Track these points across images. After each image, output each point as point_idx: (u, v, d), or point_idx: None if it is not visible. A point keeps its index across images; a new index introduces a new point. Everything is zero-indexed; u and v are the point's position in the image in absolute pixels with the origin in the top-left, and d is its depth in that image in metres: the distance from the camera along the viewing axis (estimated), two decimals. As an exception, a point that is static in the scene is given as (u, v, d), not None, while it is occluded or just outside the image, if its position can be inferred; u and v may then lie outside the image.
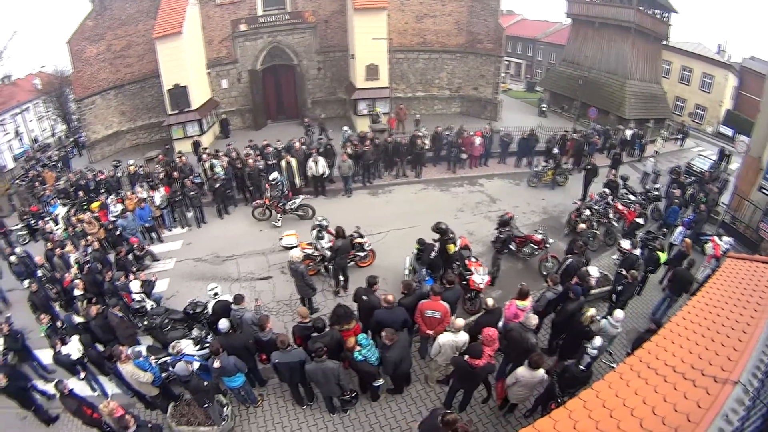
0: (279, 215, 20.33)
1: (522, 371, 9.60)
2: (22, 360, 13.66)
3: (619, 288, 13.85)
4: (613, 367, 8.73)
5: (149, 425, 9.51)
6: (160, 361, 11.63)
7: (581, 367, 9.98)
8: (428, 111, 37.83)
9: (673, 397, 6.03)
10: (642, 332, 11.37)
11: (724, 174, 29.06)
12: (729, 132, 47.21)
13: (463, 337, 10.43)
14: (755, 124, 24.14)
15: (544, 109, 44.63)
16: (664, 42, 44.24)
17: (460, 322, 10.43)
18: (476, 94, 37.85)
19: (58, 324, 13.85)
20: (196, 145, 26.90)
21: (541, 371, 9.51)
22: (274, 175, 20.61)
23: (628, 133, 31.78)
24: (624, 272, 13.99)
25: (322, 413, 11.34)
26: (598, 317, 11.89)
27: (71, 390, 10.72)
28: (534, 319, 10.85)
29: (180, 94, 30.47)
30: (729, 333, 7.43)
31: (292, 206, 20.37)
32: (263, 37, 33.70)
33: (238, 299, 11.92)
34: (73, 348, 12.36)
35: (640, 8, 40.00)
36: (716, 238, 16.97)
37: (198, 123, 31.24)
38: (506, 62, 61.22)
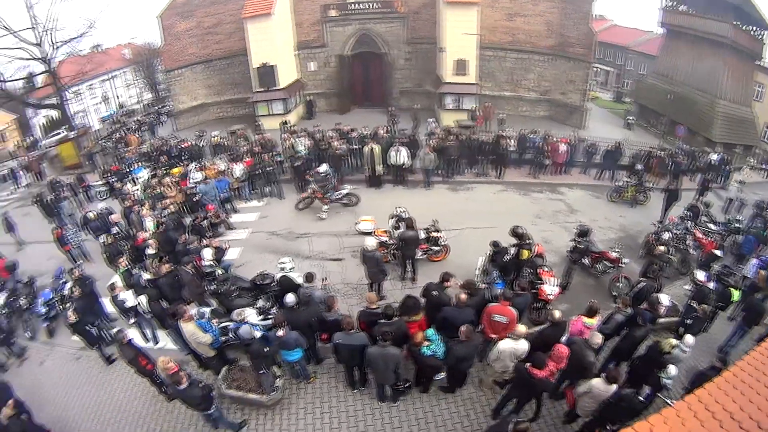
0: (325, 206, 20.12)
1: (597, 382, 9.40)
2: (89, 304, 14.15)
3: (688, 321, 13.03)
4: (668, 403, 8.34)
5: (200, 384, 9.62)
6: (221, 325, 11.88)
7: (640, 398, 9.54)
8: (514, 112, 37.18)
9: None
10: (704, 369, 10.75)
11: None
12: None
13: (523, 345, 10.17)
14: None
15: (630, 121, 42.96)
16: (758, 62, 41.65)
17: (522, 328, 10.20)
18: (563, 99, 36.87)
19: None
20: (284, 125, 27.18)
21: (614, 386, 9.28)
22: (324, 167, 20.47)
23: (715, 157, 29.49)
24: (695, 305, 13.25)
25: (371, 399, 11.31)
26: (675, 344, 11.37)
27: (130, 339, 11.31)
28: (598, 338, 10.55)
29: (267, 72, 31.25)
30: None
31: (338, 196, 20.25)
32: (353, 24, 34.01)
33: (309, 277, 11.97)
34: (130, 296, 13.25)
35: (736, 23, 38.10)
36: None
37: (283, 102, 31.93)
38: (595, 69, 58.72)
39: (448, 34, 30.87)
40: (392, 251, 16.02)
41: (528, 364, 9.40)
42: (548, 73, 36.46)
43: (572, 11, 34.07)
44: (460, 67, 31.49)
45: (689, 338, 11.40)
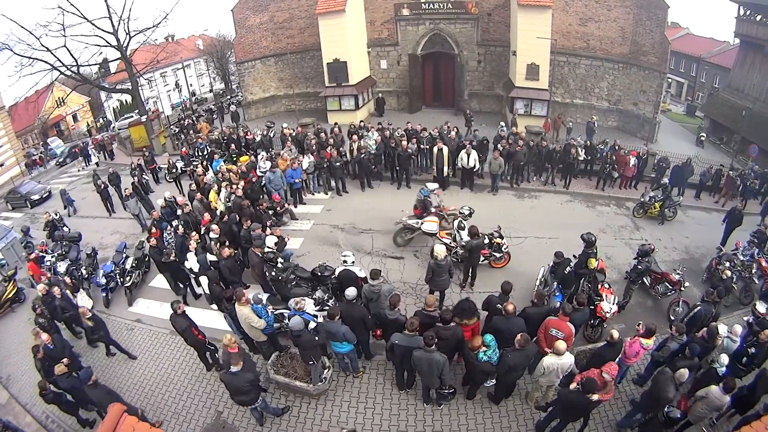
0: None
1: (714, 390, 9.54)
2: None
3: (752, 350, 12.17)
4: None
5: (255, 372, 9.91)
6: (276, 312, 12.21)
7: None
8: (584, 120, 35.75)
9: None
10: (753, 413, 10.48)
11: None
12: None
13: (568, 359, 10.12)
14: None
15: (702, 138, 41.53)
16: None
17: (562, 345, 9.97)
18: (635, 110, 35.91)
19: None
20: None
21: (728, 397, 9.44)
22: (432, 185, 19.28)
23: None
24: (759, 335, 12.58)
25: (416, 401, 11.40)
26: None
27: (184, 311, 11.89)
28: (686, 376, 10.22)
29: (339, 68, 31.80)
30: None
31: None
32: (425, 24, 34.09)
33: (375, 274, 12.02)
34: (193, 261, 14.24)
35: None
36: None
37: (354, 98, 32.45)
38: (668, 80, 56.63)
39: (520, 37, 30.69)
40: (454, 254, 15.99)
41: (578, 387, 9.30)
42: (620, 82, 35.67)
43: (646, 18, 33.25)
44: (532, 71, 31.24)
45: (737, 327, 11.90)
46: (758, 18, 39.53)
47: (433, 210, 18.12)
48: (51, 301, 13.92)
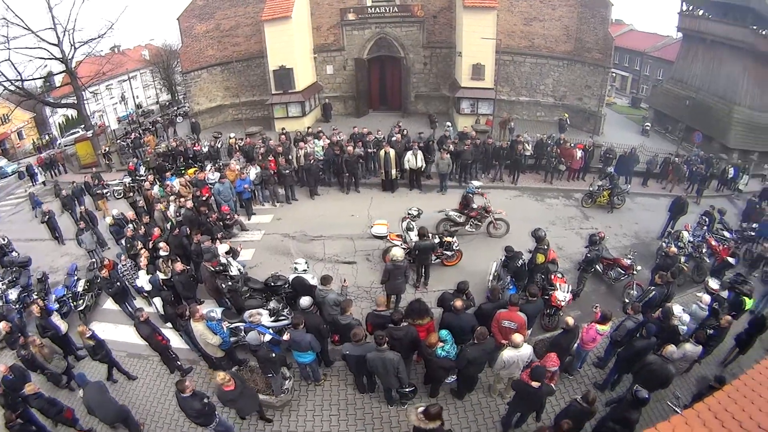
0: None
1: (688, 346, 11.12)
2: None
3: (710, 332, 12.64)
4: (677, 412, 8.38)
5: (203, 399, 9.51)
6: (232, 326, 12.05)
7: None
8: (530, 117, 37.36)
9: None
10: (704, 388, 10.79)
11: None
12: None
13: (526, 350, 10.22)
14: None
15: (647, 128, 42.96)
16: None
17: (518, 338, 10.08)
18: (580, 104, 36.79)
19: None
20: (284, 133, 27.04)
21: (701, 347, 11.21)
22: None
23: (732, 171, 29.51)
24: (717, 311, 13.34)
25: (380, 403, 11.36)
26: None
27: (147, 317, 11.80)
28: (675, 353, 10.74)
29: (285, 75, 31.52)
30: None
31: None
32: (371, 28, 34.09)
33: (326, 280, 11.97)
34: (144, 280, 13.94)
35: (755, 28, 37.57)
36: None
37: (300, 105, 32.22)
38: (612, 74, 58.49)
39: (465, 39, 30.91)
40: (407, 255, 15.80)
41: (526, 374, 9.46)
42: (565, 78, 36.43)
43: (590, 16, 34.04)
44: (477, 71, 31.45)
45: (706, 297, 12.72)
46: (700, 13, 41.50)
47: (474, 209, 18.63)
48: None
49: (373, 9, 33.49)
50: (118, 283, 14.65)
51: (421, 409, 8.71)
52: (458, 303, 10.79)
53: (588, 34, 34.65)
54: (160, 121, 44.41)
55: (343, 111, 36.61)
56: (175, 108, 53.24)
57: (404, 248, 15.63)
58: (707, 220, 20.16)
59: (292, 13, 30.27)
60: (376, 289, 15.14)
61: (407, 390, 10.50)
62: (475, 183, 19.75)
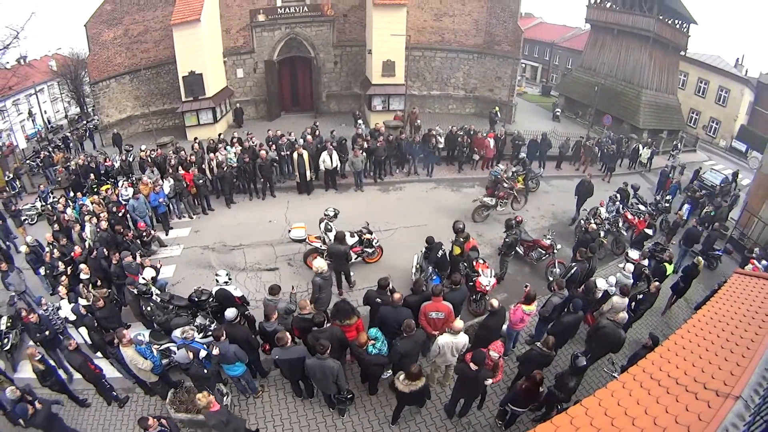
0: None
1: (616, 299, 12.43)
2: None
3: (639, 296, 13.85)
4: (615, 377, 8.71)
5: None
6: (162, 348, 11.75)
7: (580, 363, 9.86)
8: (442, 110, 37.98)
9: (675, 409, 6.02)
10: (639, 350, 11.27)
11: (735, 189, 29.27)
12: (742, 147, 47.63)
13: (463, 338, 10.40)
14: None
15: (558, 114, 44.64)
16: (682, 53, 44.20)
17: (460, 324, 10.34)
18: (491, 95, 37.72)
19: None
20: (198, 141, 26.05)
21: (626, 299, 12.48)
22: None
23: (646, 152, 31.96)
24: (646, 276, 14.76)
25: (321, 407, 11.31)
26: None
27: (77, 346, 11.25)
28: (624, 316, 11.75)
29: (195, 81, 30.68)
30: (733, 348, 7.44)
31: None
32: (281, 29, 33.70)
33: (274, 290, 11.90)
34: (67, 310, 13.12)
35: (660, 17, 39.81)
36: (755, 261, 17.33)
37: (212, 111, 31.41)
38: (523, 65, 60.57)
39: (376, 36, 31.04)
40: (326, 257, 15.75)
41: (467, 357, 9.64)
42: (476, 71, 37.29)
43: (500, 10, 35.05)
44: (388, 68, 31.67)
45: (629, 266, 13.81)
46: (608, 5, 43.40)
47: (506, 186, 19.91)
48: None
49: (283, 9, 33.08)
50: (47, 332, 13.05)
51: (402, 376, 9.13)
52: (397, 296, 11.01)
53: (498, 27, 35.57)
54: (71, 137, 42.24)
55: (255, 115, 36.05)
56: (85, 122, 50.55)
57: (323, 248, 15.94)
58: (619, 196, 21.38)
59: (202, 15, 29.39)
60: (300, 293, 14.84)
61: (345, 397, 10.48)
62: (500, 167, 20.99)
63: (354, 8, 33.98)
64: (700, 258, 16.51)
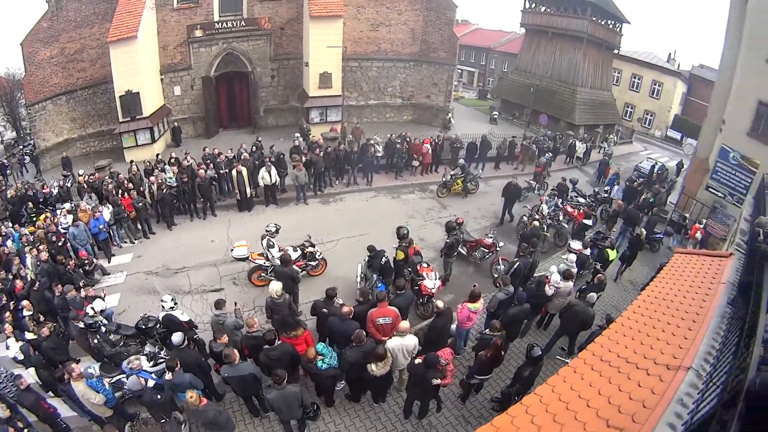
0: None
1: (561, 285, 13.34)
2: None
3: (583, 287, 14.36)
4: (567, 362, 9.02)
5: None
6: (113, 380, 11.44)
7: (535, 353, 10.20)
8: (380, 119, 38.39)
9: (628, 387, 6.14)
10: (596, 329, 11.83)
11: (672, 176, 31.52)
12: (677, 136, 50.02)
13: (412, 340, 10.58)
14: (702, 128, 26.42)
15: (495, 116, 45.70)
16: (616, 51, 46.21)
17: (405, 324, 10.57)
18: (428, 102, 38.54)
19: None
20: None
21: (571, 282, 13.59)
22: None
23: (582, 147, 33.94)
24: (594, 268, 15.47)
25: (279, 425, 11.10)
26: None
27: (29, 385, 10.88)
28: (594, 298, 12.43)
29: (132, 100, 29.90)
30: (679, 323, 7.63)
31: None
32: (218, 44, 33.29)
33: (219, 304, 11.93)
34: (15, 349, 12.50)
35: (593, 19, 41.28)
36: (698, 224, 20.26)
37: (149, 131, 30.62)
38: (459, 71, 62.47)
39: (312, 48, 31.07)
40: (271, 272, 15.93)
41: (418, 361, 9.78)
42: (412, 79, 37.93)
43: (435, 18, 35.80)
44: (325, 80, 31.73)
45: (572, 256, 14.82)
46: (542, 9, 44.91)
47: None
48: None
49: (220, 24, 32.62)
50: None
51: (373, 365, 9.58)
52: (346, 309, 11.04)
53: (434, 35, 36.31)
54: (8, 163, 40.32)
55: (194, 133, 35.26)
56: (21, 147, 48.49)
57: (267, 265, 16.09)
58: (558, 191, 22.50)
59: (139, 32, 28.66)
60: (248, 312, 14.98)
61: (313, 411, 10.42)
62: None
63: (291, 21, 33.87)
64: (642, 230, 18.19)
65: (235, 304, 13.15)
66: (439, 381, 9.78)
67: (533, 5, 46.46)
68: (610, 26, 44.25)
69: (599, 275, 14.24)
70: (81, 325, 12.94)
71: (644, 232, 18.47)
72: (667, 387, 5.74)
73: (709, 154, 23.21)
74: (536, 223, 18.25)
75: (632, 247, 18.30)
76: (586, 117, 42.61)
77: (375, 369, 9.82)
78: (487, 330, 11.27)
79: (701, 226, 20.42)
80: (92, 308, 13.31)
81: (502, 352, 10.48)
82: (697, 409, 5.10)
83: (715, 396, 5.01)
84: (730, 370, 5.21)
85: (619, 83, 54.76)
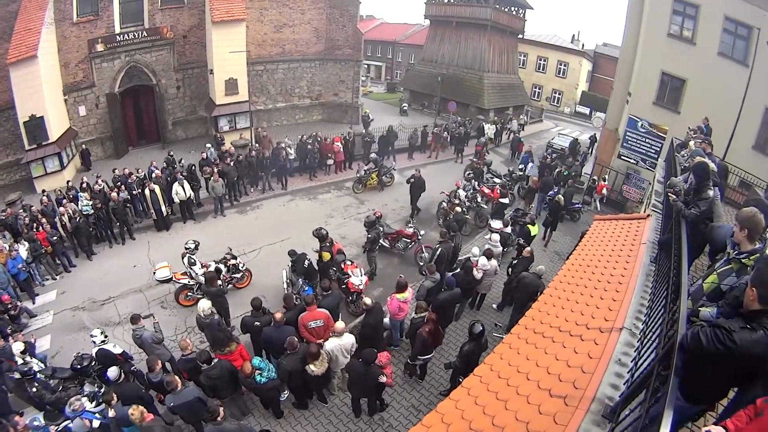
0: None
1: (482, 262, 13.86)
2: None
3: (515, 262, 14.98)
4: (501, 338, 9.22)
5: None
6: (60, 428, 10.88)
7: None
8: (290, 121, 38.42)
9: (564, 354, 6.28)
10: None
11: (583, 148, 33.04)
12: (586, 111, 52.94)
13: (349, 338, 10.69)
14: (609, 102, 28.46)
15: (405, 108, 46.36)
16: (520, 36, 48.54)
17: (341, 324, 10.72)
18: (337, 99, 39.00)
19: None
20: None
21: (494, 261, 14.34)
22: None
23: (491, 129, 35.47)
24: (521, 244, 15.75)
25: None
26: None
27: None
28: (543, 269, 13.65)
29: (36, 126, 28.00)
30: (606, 287, 7.89)
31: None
32: (120, 57, 32.05)
33: (135, 319, 11.83)
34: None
35: (497, 6, 42.88)
36: (602, 182, 22.77)
37: (58, 157, 28.76)
38: (366, 66, 63.29)
39: (216, 54, 30.72)
40: (196, 292, 15.80)
41: (359, 360, 9.91)
42: (319, 78, 38.28)
43: (339, 15, 36.24)
44: (231, 86, 31.47)
45: (495, 236, 15.47)
46: (446, 0, 46.49)
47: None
48: None
49: (122, 36, 31.36)
50: None
51: (311, 366, 9.75)
52: (278, 316, 10.99)
53: (338, 32, 36.71)
54: None
55: (103, 154, 33.47)
56: None
57: (192, 284, 15.89)
58: (472, 174, 23.34)
59: (38, 51, 26.73)
60: (180, 334, 14.81)
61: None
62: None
63: (193, 28, 33.26)
64: (560, 195, 19.23)
65: (153, 317, 13.08)
66: (384, 379, 9.93)
67: (436, -3, 47.56)
68: (514, 13, 46.14)
69: (526, 248, 14.90)
70: (17, 375, 12.25)
71: (562, 198, 19.45)
72: (603, 349, 5.94)
73: (618, 125, 24.93)
74: (458, 209, 18.66)
75: (552, 212, 19.38)
76: (495, 101, 44.07)
77: (314, 369, 9.94)
78: (414, 314, 11.59)
79: (605, 183, 23.16)
80: (18, 353, 12.72)
81: (439, 327, 10.83)
82: (636, 366, 5.29)
83: (651, 351, 5.21)
84: (662, 325, 5.40)
85: (525, 66, 57.02)
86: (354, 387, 10.54)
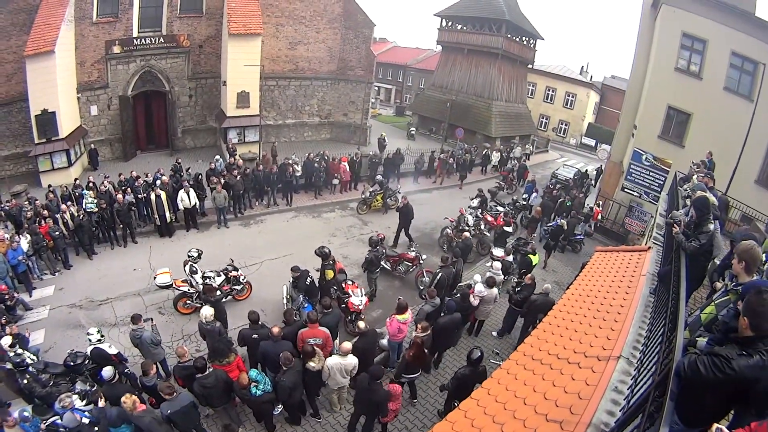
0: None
1: (480, 289, 14.08)
2: None
3: (518, 289, 15.04)
4: (498, 364, 8.91)
5: None
6: (48, 423, 10.68)
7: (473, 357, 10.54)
8: (298, 138, 38.65)
9: (562, 381, 6.38)
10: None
11: (587, 181, 33.06)
12: (591, 142, 53.44)
13: (352, 360, 10.64)
14: (615, 134, 28.57)
15: (412, 132, 46.66)
16: (530, 66, 48.98)
17: (347, 345, 10.62)
18: (346, 120, 39.23)
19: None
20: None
21: (495, 289, 14.29)
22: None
23: (496, 156, 35.80)
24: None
25: None
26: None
27: None
28: (550, 287, 14.21)
29: (47, 120, 28.21)
30: (605, 316, 8.00)
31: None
32: (136, 61, 32.22)
33: (135, 319, 11.89)
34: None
35: (508, 36, 43.19)
36: (597, 207, 23.36)
37: (66, 153, 29.02)
38: (376, 88, 63.09)
39: (230, 67, 30.83)
40: (199, 301, 15.65)
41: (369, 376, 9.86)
42: (330, 97, 38.54)
43: (353, 37, 36.59)
44: (243, 99, 31.54)
45: (497, 263, 15.48)
46: (458, 27, 46.77)
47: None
48: None
49: (139, 40, 31.55)
50: None
51: (311, 362, 10.03)
52: (276, 330, 10.93)
53: (351, 53, 37.02)
54: None
55: (111, 156, 33.65)
56: None
57: (191, 292, 15.87)
58: (478, 201, 23.31)
59: (56, 46, 26.90)
60: (176, 341, 14.78)
61: None
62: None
63: (210, 39, 33.48)
64: (563, 221, 19.67)
65: (151, 320, 13.06)
66: (390, 405, 9.99)
67: (450, 24, 48.13)
68: (525, 42, 46.56)
69: (528, 275, 15.13)
70: (8, 365, 12.24)
71: (565, 223, 20.04)
72: (600, 377, 6.04)
73: (622, 158, 25.30)
74: (467, 234, 18.78)
75: (553, 235, 20.05)
76: (502, 129, 44.35)
77: (313, 365, 10.18)
78: (416, 333, 11.49)
79: (600, 209, 24.02)
80: (9, 347, 12.62)
81: (425, 350, 10.91)
82: (633, 393, 5.42)
83: (648, 378, 5.31)
84: (659, 354, 5.51)
85: (534, 96, 57.43)
86: (359, 404, 10.55)
